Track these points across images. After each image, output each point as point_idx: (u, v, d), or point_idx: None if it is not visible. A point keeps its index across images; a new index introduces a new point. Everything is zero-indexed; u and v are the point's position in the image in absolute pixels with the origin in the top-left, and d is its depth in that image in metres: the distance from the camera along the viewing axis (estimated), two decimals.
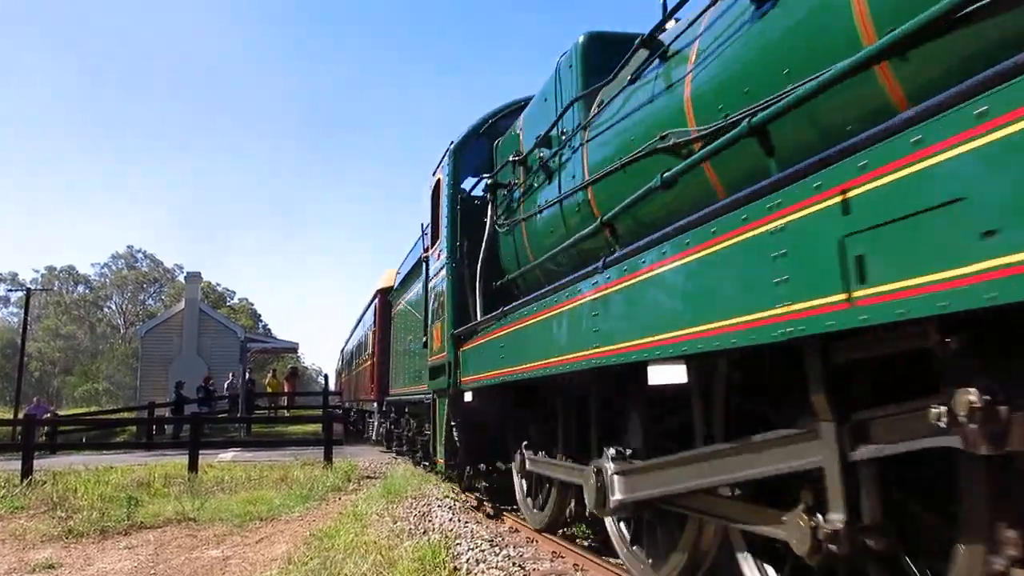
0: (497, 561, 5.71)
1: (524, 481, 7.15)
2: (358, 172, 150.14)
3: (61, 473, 12.29)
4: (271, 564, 6.11)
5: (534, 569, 5.53)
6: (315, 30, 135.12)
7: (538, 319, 4.84)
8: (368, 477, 12.28)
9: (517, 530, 7.33)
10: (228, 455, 16.78)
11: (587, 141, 4.82)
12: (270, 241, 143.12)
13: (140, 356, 33.49)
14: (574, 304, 4.22)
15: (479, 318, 6.71)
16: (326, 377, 29.80)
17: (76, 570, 6.43)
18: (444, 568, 5.40)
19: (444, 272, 7.58)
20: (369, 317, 19.26)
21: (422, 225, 10.16)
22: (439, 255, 8.06)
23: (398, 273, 15.06)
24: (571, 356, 4.18)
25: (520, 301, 5.34)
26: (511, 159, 6.31)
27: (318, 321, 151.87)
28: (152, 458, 15.24)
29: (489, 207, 6.89)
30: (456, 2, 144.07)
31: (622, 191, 4.23)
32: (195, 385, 25.95)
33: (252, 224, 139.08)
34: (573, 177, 5.03)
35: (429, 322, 8.58)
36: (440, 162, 8.50)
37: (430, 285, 8.69)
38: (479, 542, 6.35)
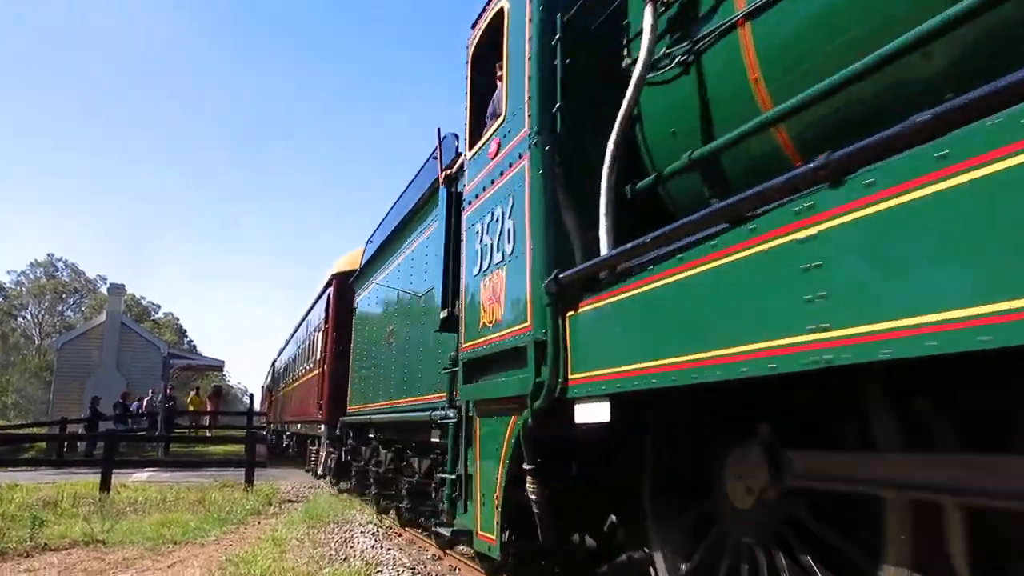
0: None
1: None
2: (295, 193, 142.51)
3: None
4: None
5: None
6: (251, 41, 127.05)
7: None
8: (290, 501, 11.37)
9: (440, 558, 6.68)
10: (143, 475, 15.06)
11: None
12: (200, 255, 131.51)
13: (55, 369, 30.18)
14: None
15: (608, 250, 3.20)
16: (251, 396, 26.68)
17: None
18: None
19: (522, 171, 3.76)
20: (318, 314, 14.27)
21: (438, 132, 6.26)
22: (496, 149, 4.19)
23: (369, 242, 10.32)
24: None
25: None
26: None
27: (247, 339, 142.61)
28: (61, 476, 13.84)
29: (644, 23, 3.11)
30: (400, 23, 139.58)
31: None
32: (112, 401, 22.62)
33: (182, 237, 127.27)
34: None
35: (466, 277, 4.65)
36: None
37: (468, 213, 4.67)
38: (401, 569, 6.03)
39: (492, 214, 4.17)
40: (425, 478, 6.96)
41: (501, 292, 3.97)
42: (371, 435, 9.20)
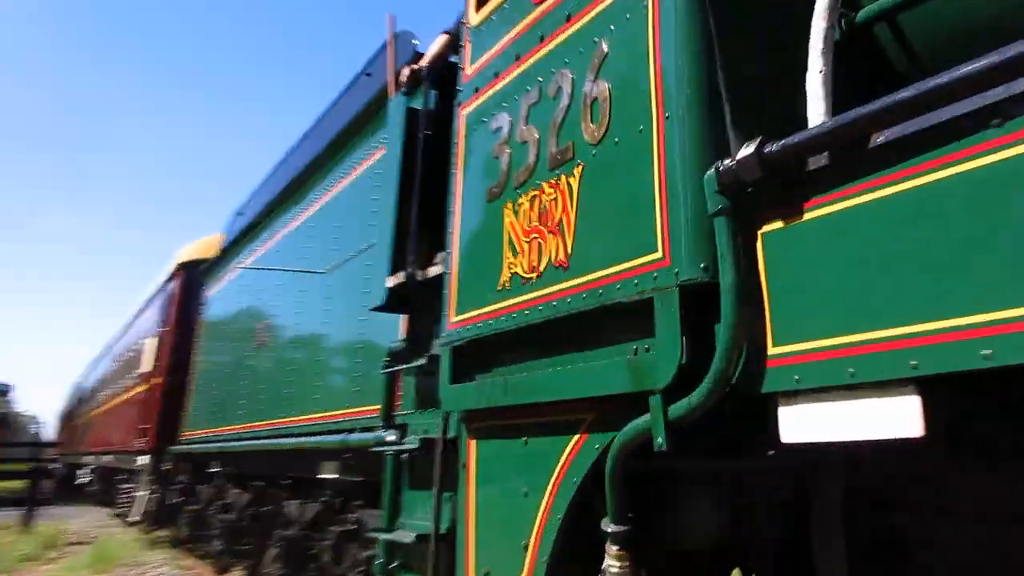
0: None
1: None
2: (102, 207, 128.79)
3: None
4: None
5: None
6: (65, 41, 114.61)
7: None
8: (78, 543, 9.88)
9: None
10: None
11: None
12: None
13: None
14: None
15: (827, 114, 1.64)
16: (39, 425, 23.41)
17: None
18: None
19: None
20: (152, 316, 10.95)
21: (391, 20, 4.02)
22: None
23: (238, 215, 7.68)
24: None
25: None
26: None
27: (45, 363, 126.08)
28: None
29: None
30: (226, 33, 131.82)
31: None
32: None
33: None
34: None
35: (463, 210, 2.73)
36: None
37: (471, 109, 2.78)
38: None
39: (540, 90, 2.39)
40: (310, 529, 4.86)
41: (565, 213, 2.17)
42: (215, 469, 6.83)
